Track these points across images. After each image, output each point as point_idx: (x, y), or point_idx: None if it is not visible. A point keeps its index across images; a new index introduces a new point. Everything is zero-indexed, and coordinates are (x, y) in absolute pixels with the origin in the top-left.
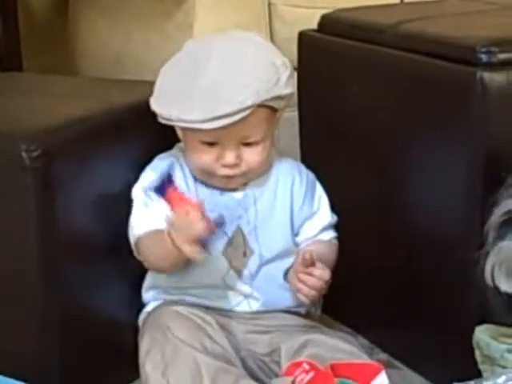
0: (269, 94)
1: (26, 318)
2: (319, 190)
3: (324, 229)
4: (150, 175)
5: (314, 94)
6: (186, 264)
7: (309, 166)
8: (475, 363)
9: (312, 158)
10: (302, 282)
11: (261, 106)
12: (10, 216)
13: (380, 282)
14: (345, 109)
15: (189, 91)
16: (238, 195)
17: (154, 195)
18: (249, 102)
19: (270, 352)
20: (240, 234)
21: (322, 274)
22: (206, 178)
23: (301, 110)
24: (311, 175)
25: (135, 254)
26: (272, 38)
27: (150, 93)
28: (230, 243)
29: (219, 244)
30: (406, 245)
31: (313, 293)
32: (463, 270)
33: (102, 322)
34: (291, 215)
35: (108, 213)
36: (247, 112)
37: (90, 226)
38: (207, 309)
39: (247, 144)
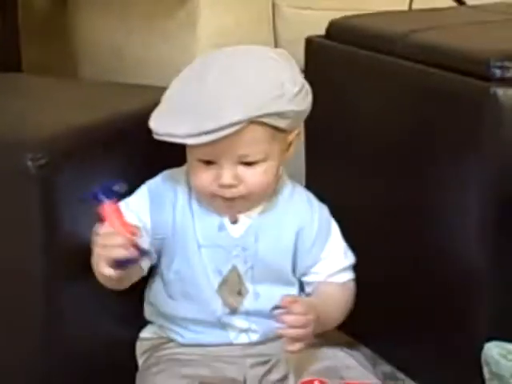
0: (260, 111)
1: (28, 333)
2: (334, 231)
3: (337, 272)
4: (144, 200)
5: (320, 100)
6: (179, 299)
7: (313, 173)
8: (483, 380)
9: (316, 165)
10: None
11: (256, 122)
12: (14, 224)
13: (385, 292)
14: (351, 118)
15: (181, 105)
16: (237, 233)
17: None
18: (236, 118)
19: (282, 377)
20: (235, 274)
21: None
22: (207, 200)
23: None
24: (325, 213)
25: None
26: (276, 40)
27: (155, 98)
28: (224, 282)
29: (213, 282)
30: (414, 256)
31: (293, 332)
32: (474, 282)
33: (100, 338)
34: (294, 256)
35: None
36: (235, 128)
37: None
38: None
39: (246, 164)
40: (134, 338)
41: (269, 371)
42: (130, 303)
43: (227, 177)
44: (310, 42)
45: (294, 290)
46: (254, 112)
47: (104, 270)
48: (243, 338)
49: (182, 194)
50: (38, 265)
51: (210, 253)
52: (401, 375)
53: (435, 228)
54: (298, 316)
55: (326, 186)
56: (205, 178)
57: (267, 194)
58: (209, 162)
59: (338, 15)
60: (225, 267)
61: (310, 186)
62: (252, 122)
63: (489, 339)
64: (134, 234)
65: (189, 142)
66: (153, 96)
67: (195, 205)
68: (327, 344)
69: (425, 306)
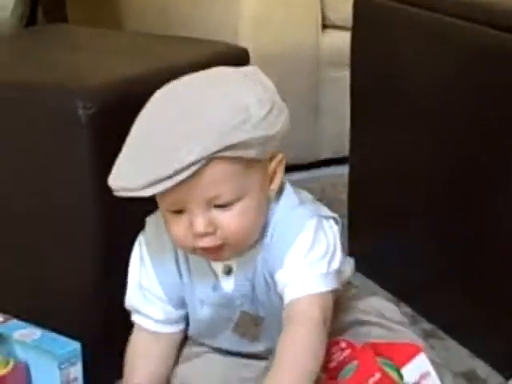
0: (218, 145)
1: (80, 271)
2: (299, 242)
3: (291, 283)
4: (146, 262)
5: (367, 57)
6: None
7: (358, 127)
8: None
9: (362, 124)
10: None
11: (219, 158)
12: (66, 173)
13: (426, 248)
14: (399, 76)
15: (133, 154)
16: (229, 286)
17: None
18: (191, 158)
19: None
20: (246, 316)
21: None
22: (190, 252)
23: (353, 71)
24: (295, 214)
25: None
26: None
27: (200, 51)
28: (237, 325)
29: (226, 328)
30: (457, 208)
31: None
32: None
33: None
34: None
35: None
36: (191, 170)
37: None
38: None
39: (220, 206)
40: None
41: None
42: None
43: (199, 224)
44: (357, 0)
45: None
46: (211, 148)
47: None
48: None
49: (179, 252)
50: (90, 214)
51: (214, 309)
52: (441, 334)
53: (485, 186)
54: None
55: (372, 148)
56: (178, 229)
57: (255, 235)
58: (180, 211)
59: None
60: (233, 315)
61: (354, 147)
62: (213, 158)
63: None
64: None
65: (145, 193)
66: (198, 48)
67: (192, 261)
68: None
69: (466, 265)
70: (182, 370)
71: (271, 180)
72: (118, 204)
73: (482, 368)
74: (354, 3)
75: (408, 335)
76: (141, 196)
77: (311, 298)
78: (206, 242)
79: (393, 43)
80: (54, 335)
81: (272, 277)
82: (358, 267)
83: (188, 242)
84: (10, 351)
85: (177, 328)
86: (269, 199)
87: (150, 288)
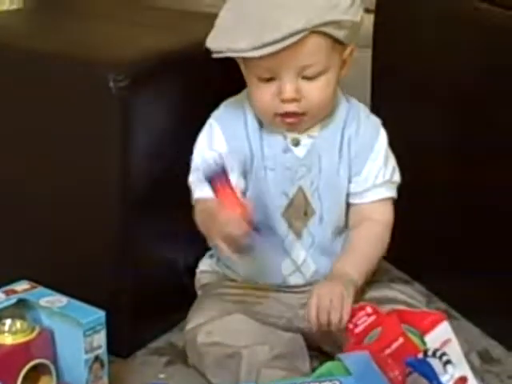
0: (322, 19)
1: (103, 250)
2: (379, 145)
3: (375, 187)
4: (216, 130)
5: (389, 36)
6: None
7: (377, 109)
8: None
9: (381, 101)
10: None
11: (316, 32)
12: (94, 145)
13: (440, 227)
14: (420, 54)
15: (238, 20)
16: (301, 152)
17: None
18: (299, 26)
19: None
20: (301, 195)
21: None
22: (269, 120)
23: (374, 52)
24: (371, 125)
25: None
26: None
27: None
28: (290, 204)
29: (280, 205)
30: (469, 191)
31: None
32: None
33: (169, 262)
34: (349, 171)
35: (186, 145)
36: (298, 37)
37: (167, 157)
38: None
39: (307, 78)
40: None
41: None
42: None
43: (289, 90)
44: None
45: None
46: (316, 20)
47: (220, 245)
48: (297, 277)
49: (250, 120)
50: (116, 187)
51: (276, 176)
52: (455, 313)
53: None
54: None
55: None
56: (265, 95)
57: (328, 111)
58: (269, 79)
59: None
60: (291, 189)
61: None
62: (313, 31)
63: None
64: (248, 211)
65: (252, 54)
66: None
67: (264, 129)
68: (379, 280)
69: (481, 245)
70: (212, 326)
71: (342, 66)
72: (143, 182)
73: (495, 348)
74: None
75: None
76: (246, 56)
77: (385, 202)
78: (290, 107)
79: (415, 23)
80: (79, 303)
81: (350, 168)
82: None
83: (272, 108)
84: (35, 318)
85: None
86: (338, 82)
87: (217, 148)
